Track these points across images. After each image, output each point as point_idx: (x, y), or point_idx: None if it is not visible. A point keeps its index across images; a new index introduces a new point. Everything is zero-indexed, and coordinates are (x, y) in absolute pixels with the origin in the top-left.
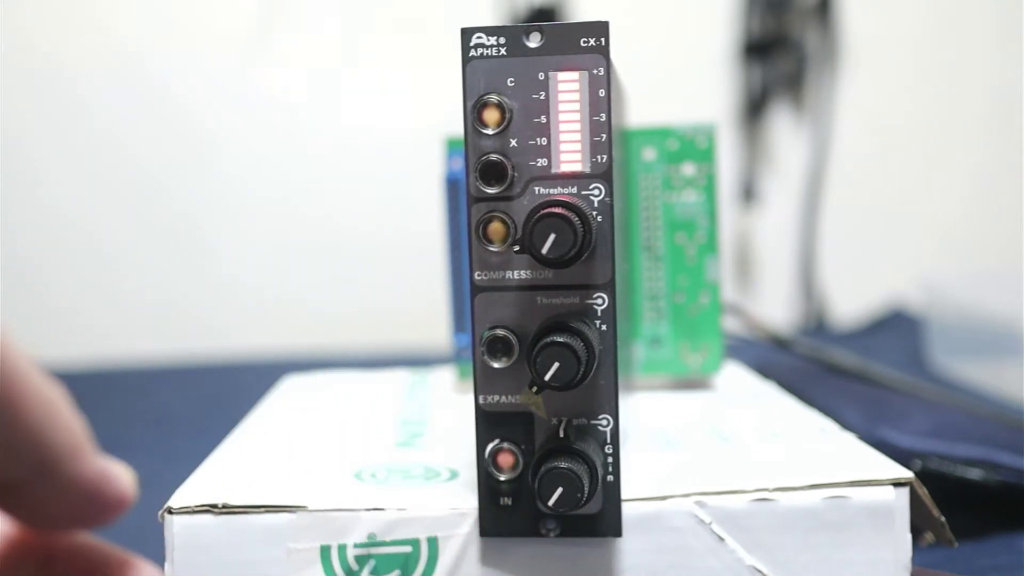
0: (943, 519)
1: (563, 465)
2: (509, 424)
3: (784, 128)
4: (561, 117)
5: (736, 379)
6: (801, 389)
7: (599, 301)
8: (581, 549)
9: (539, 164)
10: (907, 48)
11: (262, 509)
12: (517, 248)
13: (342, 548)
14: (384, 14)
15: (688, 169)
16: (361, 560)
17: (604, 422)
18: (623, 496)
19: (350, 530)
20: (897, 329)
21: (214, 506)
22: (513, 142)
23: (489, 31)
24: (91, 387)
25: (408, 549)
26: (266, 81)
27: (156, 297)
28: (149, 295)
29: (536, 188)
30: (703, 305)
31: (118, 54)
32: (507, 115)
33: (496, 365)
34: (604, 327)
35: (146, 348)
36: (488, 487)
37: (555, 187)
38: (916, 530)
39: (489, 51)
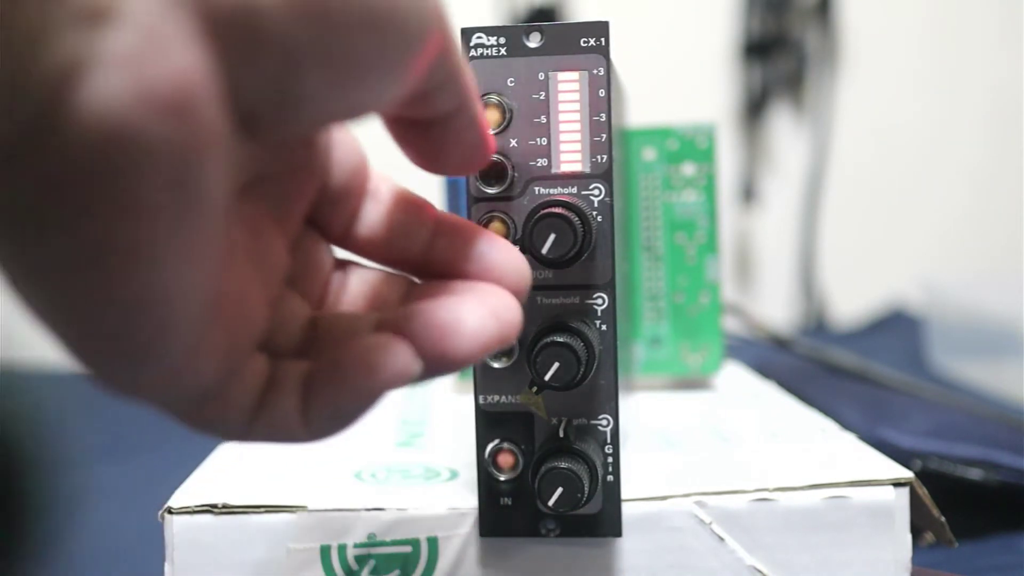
0: (943, 519)
1: (563, 465)
2: (509, 424)
3: (784, 128)
4: (561, 117)
5: (736, 379)
6: (801, 389)
7: (599, 301)
8: (581, 549)
9: (539, 164)
10: (907, 48)
11: (262, 509)
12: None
13: (342, 548)
14: None
15: (688, 169)
16: (361, 560)
17: (604, 422)
18: (623, 496)
19: (350, 530)
20: (897, 329)
21: (214, 506)
22: (513, 142)
23: (489, 31)
24: (92, 387)
25: (408, 549)
26: None
27: None
28: None
29: (536, 188)
30: (703, 305)
31: None
32: (507, 115)
33: (496, 365)
34: (604, 327)
35: None
36: (488, 487)
37: (555, 187)
38: (916, 530)
39: (489, 51)
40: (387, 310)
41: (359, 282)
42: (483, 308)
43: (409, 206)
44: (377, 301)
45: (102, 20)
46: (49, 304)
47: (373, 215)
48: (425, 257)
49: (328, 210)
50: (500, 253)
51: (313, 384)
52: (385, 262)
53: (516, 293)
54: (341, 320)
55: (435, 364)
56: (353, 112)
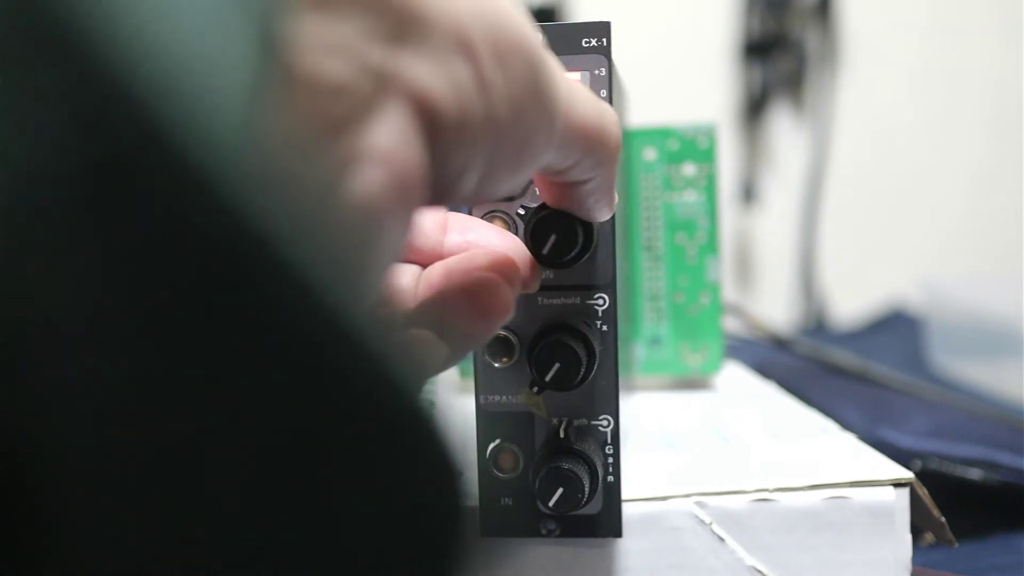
0: (943, 519)
1: (563, 465)
2: (509, 424)
3: (784, 128)
4: None
5: (736, 379)
6: (801, 389)
7: (600, 301)
8: (581, 549)
9: None
10: (907, 48)
11: None
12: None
13: None
14: None
15: (688, 169)
16: None
17: (604, 422)
18: (623, 496)
19: None
20: (897, 329)
21: None
22: None
23: None
24: None
25: None
26: None
27: None
28: None
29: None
30: (703, 305)
31: None
32: None
33: (496, 365)
34: (605, 327)
35: None
36: (488, 487)
37: None
38: (916, 530)
39: None
40: (406, 302)
41: None
42: (497, 278)
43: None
44: (397, 289)
45: (372, 120)
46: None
47: None
48: (439, 252)
49: None
50: (505, 239)
51: None
52: (404, 260)
53: (523, 267)
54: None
55: (463, 344)
56: (485, 198)
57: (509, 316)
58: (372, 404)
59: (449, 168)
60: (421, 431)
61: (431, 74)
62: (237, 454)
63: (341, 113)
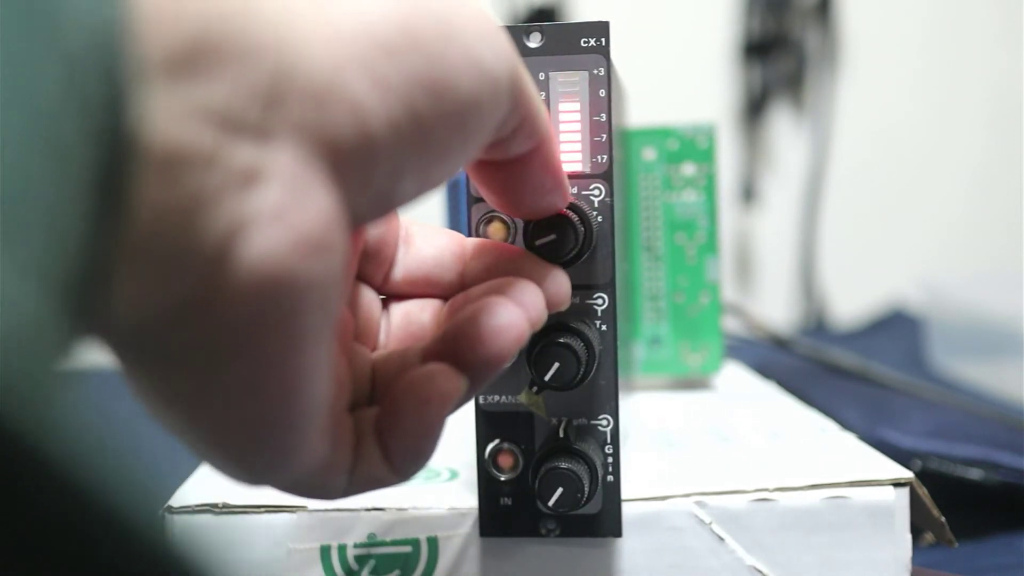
0: (943, 519)
1: (563, 465)
2: (509, 424)
3: (784, 128)
4: (561, 117)
5: (736, 379)
6: (801, 389)
7: (599, 301)
8: (581, 549)
9: None
10: (907, 48)
11: (262, 509)
12: None
13: (342, 548)
14: None
15: (688, 169)
16: (361, 560)
17: (604, 422)
18: (623, 496)
19: (350, 530)
20: (897, 329)
21: (214, 506)
22: None
23: None
24: (93, 387)
25: (408, 549)
26: None
27: None
28: None
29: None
30: (703, 305)
31: None
32: None
33: None
34: (604, 327)
35: None
36: (488, 487)
37: None
38: (916, 530)
39: None
40: (427, 337)
41: (398, 316)
42: (509, 304)
43: (439, 242)
44: (415, 328)
45: (255, 182)
46: (201, 415)
47: (408, 259)
48: (461, 282)
49: (368, 263)
50: (532, 265)
51: (383, 428)
52: (424, 295)
53: (552, 297)
54: (393, 359)
55: (480, 372)
56: (437, 186)
57: (523, 343)
58: None
59: (376, 187)
60: None
61: (319, 112)
62: None
63: (218, 181)
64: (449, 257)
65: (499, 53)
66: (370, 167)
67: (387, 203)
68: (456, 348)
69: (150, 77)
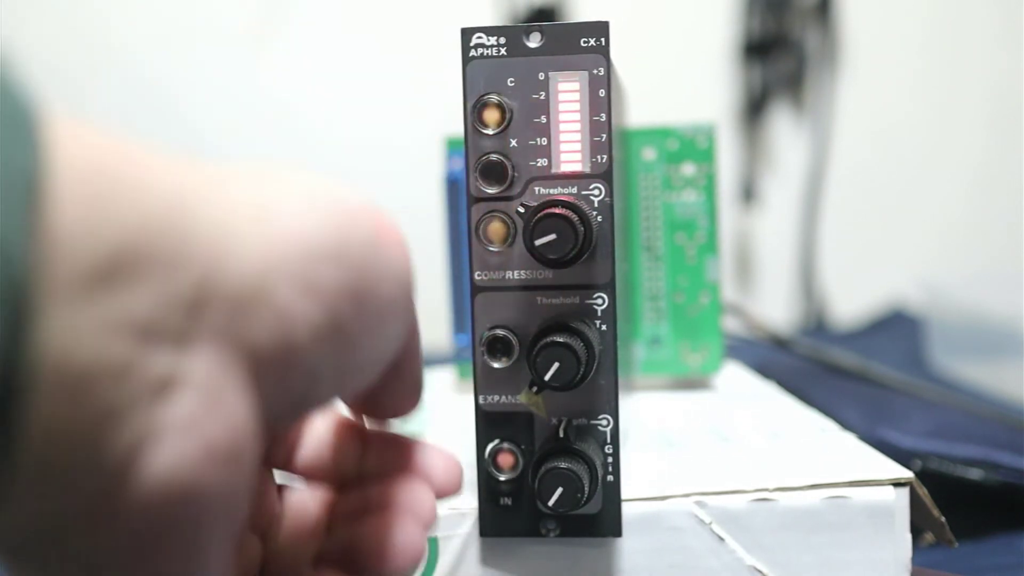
0: (943, 519)
1: (563, 465)
2: (509, 424)
3: (784, 128)
4: (561, 117)
5: (736, 379)
6: (801, 389)
7: (599, 301)
8: (581, 549)
9: (539, 164)
10: (907, 48)
11: None
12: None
13: None
14: (384, 14)
15: (688, 169)
16: None
17: (604, 422)
18: (623, 496)
19: None
20: (897, 329)
21: None
22: (513, 142)
23: (489, 31)
24: None
25: None
26: (265, 81)
27: None
28: None
29: (536, 188)
30: (703, 305)
31: (117, 52)
32: (507, 115)
33: (496, 365)
34: (604, 327)
35: None
36: (488, 487)
37: (555, 187)
38: (916, 530)
39: (489, 51)
40: (318, 533)
41: (292, 502)
42: (404, 519)
43: (342, 429)
44: (308, 520)
45: (169, 391)
46: None
47: (311, 442)
48: (359, 470)
49: (272, 446)
50: (431, 459)
51: None
52: (322, 480)
53: (445, 491)
54: (284, 557)
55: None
56: (350, 392)
57: (422, 558)
58: None
59: (292, 392)
60: None
61: (244, 318)
62: None
63: (129, 394)
64: (350, 446)
65: (407, 257)
66: (289, 373)
67: (301, 408)
68: (354, 560)
69: (61, 296)
